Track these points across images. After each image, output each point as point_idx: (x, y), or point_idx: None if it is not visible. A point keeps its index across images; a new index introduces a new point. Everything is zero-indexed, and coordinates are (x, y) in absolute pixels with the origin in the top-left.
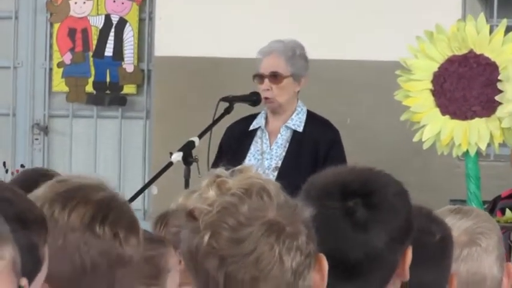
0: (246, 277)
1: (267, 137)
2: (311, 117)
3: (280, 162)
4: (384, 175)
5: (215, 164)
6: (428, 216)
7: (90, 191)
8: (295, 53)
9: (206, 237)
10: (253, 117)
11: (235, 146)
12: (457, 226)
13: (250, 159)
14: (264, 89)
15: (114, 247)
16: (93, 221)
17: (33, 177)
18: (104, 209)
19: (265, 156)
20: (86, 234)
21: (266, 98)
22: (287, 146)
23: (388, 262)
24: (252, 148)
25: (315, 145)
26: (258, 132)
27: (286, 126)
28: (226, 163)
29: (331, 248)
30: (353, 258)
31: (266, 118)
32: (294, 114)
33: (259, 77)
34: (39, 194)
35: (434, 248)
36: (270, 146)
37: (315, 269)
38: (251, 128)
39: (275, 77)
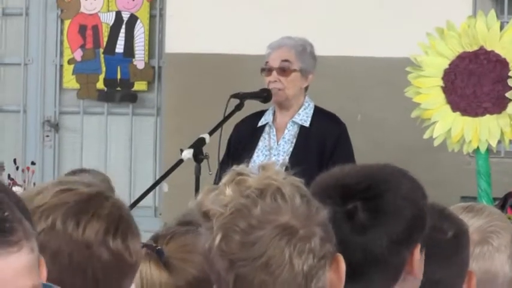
0: (255, 280)
1: (275, 132)
2: (318, 112)
3: (287, 158)
4: (394, 174)
5: (223, 161)
6: (441, 213)
7: (99, 203)
8: (305, 49)
9: (217, 239)
10: (261, 113)
11: (244, 142)
12: (470, 224)
13: (258, 155)
14: (272, 80)
15: (125, 257)
16: (107, 235)
17: None
18: (115, 221)
19: (273, 152)
20: (100, 249)
21: (273, 89)
22: (294, 141)
23: (391, 264)
24: (260, 144)
25: (322, 139)
26: (266, 128)
27: (293, 122)
28: (235, 160)
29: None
30: (353, 261)
31: (274, 114)
32: (301, 109)
33: (267, 70)
34: (44, 202)
35: (446, 245)
36: (278, 142)
37: (332, 269)
38: (259, 124)
39: (283, 69)
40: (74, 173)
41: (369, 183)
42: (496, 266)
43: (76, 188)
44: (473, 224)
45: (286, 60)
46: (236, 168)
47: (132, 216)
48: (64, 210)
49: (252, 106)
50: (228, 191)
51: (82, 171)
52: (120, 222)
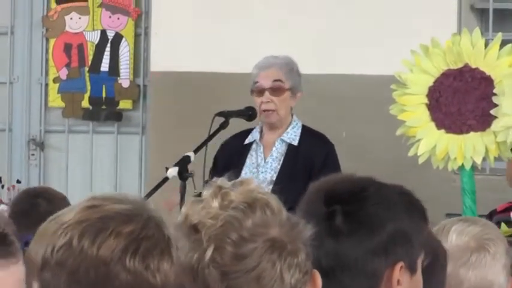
0: None
1: (262, 150)
2: (306, 131)
3: (275, 175)
4: (383, 187)
5: (210, 179)
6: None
7: (123, 220)
8: (292, 68)
9: (209, 251)
10: (248, 132)
11: (230, 160)
12: (466, 232)
13: (246, 173)
14: (265, 101)
15: (145, 278)
16: (124, 254)
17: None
18: (137, 240)
19: (260, 169)
20: (117, 267)
21: (266, 111)
22: (282, 159)
23: (366, 273)
24: (248, 161)
25: (310, 158)
26: (253, 146)
27: (282, 140)
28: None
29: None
30: (325, 265)
31: (261, 132)
32: (290, 127)
33: (258, 91)
34: (69, 219)
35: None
36: (265, 159)
37: (310, 285)
38: (246, 142)
39: (276, 89)
40: (28, 193)
41: (353, 189)
42: (492, 274)
43: (105, 204)
44: (469, 232)
45: (278, 80)
46: (217, 181)
47: (169, 237)
48: (83, 227)
49: (237, 124)
50: (215, 203)
51: (36, 190)
52: (143, 240)
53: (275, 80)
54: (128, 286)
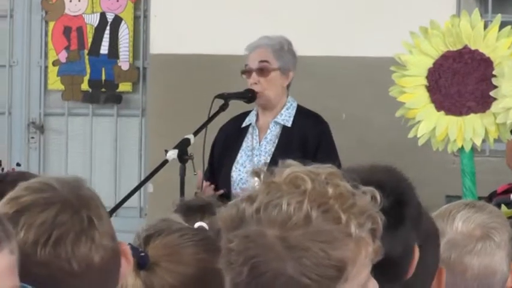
0: None
1: (257, 133)
2: (300, 111)
3: (269, 158)
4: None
5: (209, 164)
6: None
7: (34, 212)
8: (282, 47)
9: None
10: (245, 114)
11: (228, 143)
12: (472, 220)
13: (241, 156)
14: (252, 82)
15: (59, 267)
16: (34, 247)
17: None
18: (47, 230)
19: (255, 153)
20: (28, 262)
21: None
22: (276, 141)
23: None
24: (244, 144)
25: (304, 139)
26: (250, 129)
27: (276, 122)
28: (220, 161)
29: None
30: (393, 256)
31: (257, 114)
32: (284, 109)
33: (247, 72)
34: None
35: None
36: (260, 142)
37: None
38: (243, 125)
39: (262, 70)
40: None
41: (395, 179)
42: (496, 263)
43: (23, 195)
44: (475, 219)
45: (264, 61)
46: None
47: (91, 218)
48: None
49: (236, 106)
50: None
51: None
52: (54, 229)
53: (261, 61)
54: (44, 278)
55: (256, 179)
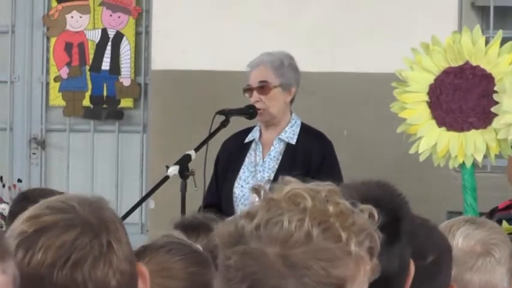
0: None
1: (261, 149)
2: (304, 129)
3: (272, 175)
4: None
5: (211, 183)
6: (427, 234)
7: (54, 234)
8: (282, 63)
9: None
10: (249, 130)
11: (230, 159)
12: (472, 236)
13: (244, 172)
14: (254, 101)
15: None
16: (52, 269)
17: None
18: (66, 253)
19: (258, 169)
20: (44, 283)
21: (258, 110)
22: (280, 158)
23: (407, 273)
24: (247, 160)
25: (308, 158)
26: (253, 145)
27: (280, 139)
28: (223, 176)
29: None
30: (390, 272)
31: (260, 130)
32: (288, 126)
33: (249, 90)
34: (13, 229)
35: (424, 271)
36: (263, 158)
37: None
38: (246, 140)
39: (263, 88)
40: (22, 194)
41: (387, 193)
42: (496, 279)
43: (44, 214)
44: (475, 235)
45: (263, 81)
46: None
47: (110, 242)
48: (19, 240)
49: (237, 123)
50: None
51: (30, 192)
52: (74, 252)
53: (261, 81)
54: None
55: (255, 195)
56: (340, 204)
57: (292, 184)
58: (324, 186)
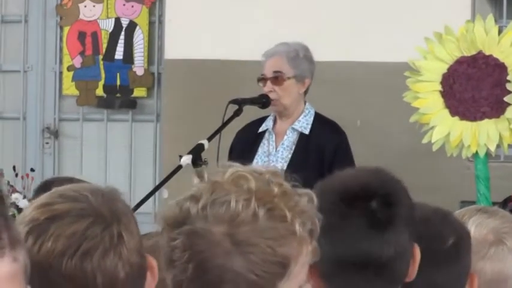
0: None
1: (274, 138)
2: (318, 119)
3: (285, 165)
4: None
5: None
6: (444, 219)
7: (66, 222)
8: (298, 54)
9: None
10: (263, 119)
11: (244, 148)
12: (485, 225)
13: (257, 161)
14: (267, 91)
15: (83, 280)
16: (61, 259)
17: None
18: (76, 242)
19: (271, 158)
20: (52, 272)
21: (271, 100)
22: (293, 148)
23: (408, 257)
24: (260, 150)
25: (321, 148)
26: (266, 134)
27: (293, 128)
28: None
29: (353, 249)
30: (385, 257)
31: (274, 120)
32: (302, 116)
33: (263, 80)
34: (24, 216)
35: (445, 254)
36: (276, 148)
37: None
38: (260, 130)
39: (277, 78)
40: (44, 183)
41: (382, 180)
42: (509, 268)
43: (57, 202)
44: (488, 224)
45: (277, 71)
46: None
47: (120, 233)
48: (30, 227)
49: (250, 112)
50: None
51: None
52: (83, 242)
53: (275, 71)
54: None
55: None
56: (284, 185)
57: (235, 167)
58: (266, 169)
